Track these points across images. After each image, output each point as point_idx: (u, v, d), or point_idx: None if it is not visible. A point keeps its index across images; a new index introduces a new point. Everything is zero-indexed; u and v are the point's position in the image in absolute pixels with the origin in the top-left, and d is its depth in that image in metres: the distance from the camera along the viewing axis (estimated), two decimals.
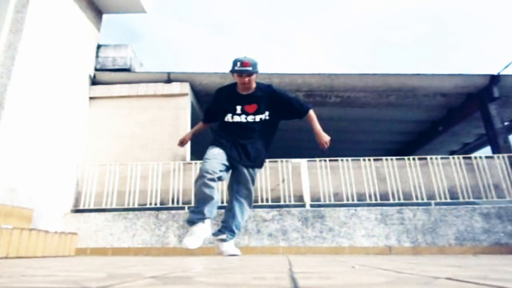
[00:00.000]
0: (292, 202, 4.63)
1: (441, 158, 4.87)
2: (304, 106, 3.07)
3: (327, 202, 4.61)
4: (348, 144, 9.47)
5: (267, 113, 2.97)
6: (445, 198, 4.52)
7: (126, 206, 4.69)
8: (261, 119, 2.95)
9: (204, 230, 2.80)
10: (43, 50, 4.47)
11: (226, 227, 3.01)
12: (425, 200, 4.52)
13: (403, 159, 4.89)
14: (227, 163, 2.89)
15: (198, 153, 7.28)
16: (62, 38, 4.92)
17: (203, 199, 2.76)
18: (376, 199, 4.61)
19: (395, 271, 1.04)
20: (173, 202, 4.73)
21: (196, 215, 2.79)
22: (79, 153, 5.24)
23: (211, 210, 2.80)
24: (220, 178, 2.82)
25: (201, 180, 2.75)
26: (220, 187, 2.96)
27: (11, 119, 3.87)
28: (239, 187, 3.00)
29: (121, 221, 4.43)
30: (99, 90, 5.68)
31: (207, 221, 2.83)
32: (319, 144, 2.99)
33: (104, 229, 4.41)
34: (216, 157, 2.84)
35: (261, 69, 3.04)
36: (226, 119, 2.99)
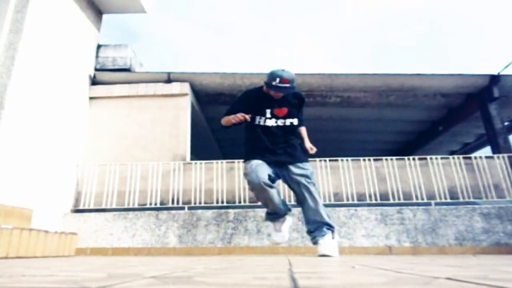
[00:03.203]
0: (292, 202, 4.63)
1: (441, 158, 4.87)
2: (303, 120, 3.06)
3: (327, 202, 4.61)
4: (348, 144, 9.48)
5: (296, 118, 2.87)
6: (445, 198, 4.52)
7: (126, 206, 4.69)
8: (291, 123, 2.84)
9: (287, 223, 2.92)
10: (43, 50, 4.47)
11: (315, 228, 2.82)
12: (425, 200, 4.52)
13: (403, 159, 4.89)
14: (271, 172, 2.74)
15: (198, 153, 7.30)
16: (62, 38, 4.92)
17: (268, 204, 2.77)
18: (376, 199, 4.61)
19: (395, 271, 1.04)
20: (173, 202, 4.73)
21: (272, 216, 2.89)
22: (79, 153, 5.24)
23: (280, 208, 2.81)
24: (273, 182, 2.71)
25: (256, 191, 2.68)
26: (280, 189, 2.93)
27: (11, 119, 3.87)
28: (300, 196, 2.84)
29: (121, 221, 4.43)
30: (99, 90, 5.68)
31: (286, 217, 2.91)
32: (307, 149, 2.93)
33: (104, 229, 4.41)
34: (258, 167, 2.69)
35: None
36: (256, 122, 2.84)
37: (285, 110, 2.85)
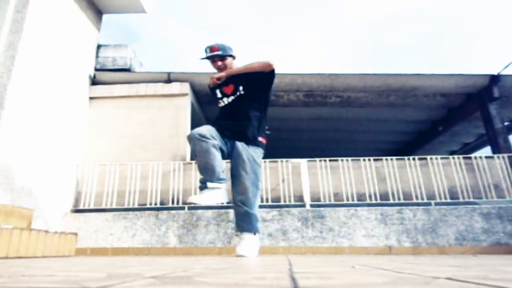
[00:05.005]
0: (292, 202, 4.63)
1: (441, 158, 4.87)
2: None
3: (327, 202, 4.61)
4: (348, 144, 9.48)
5: (241, 88, 2.81)
6: (445, 198, 4.52)
7: (126, 206, 4.69)
8: (237, 95, 2.82)
9: (214, 192, 2.58)
10: (43, 50, 4.47)
11: (235, 225, 2.82)
12: (425, 200, 4.52)
13: (403, 159, 4.89)
14: (220, 140, 2.68)
15: None
16: (62, 38, 4.92)
17: (203, 166, 2.58)
18: (376, 199, 4.61)
19: (395, 271, 1.04)
20: (173, 202, 4.73)
21: (202, 184, 2.63)
22: (79, 153, 5.24)
23: (212, 176, 2.56)
24: (215, 145, 2.58)
25: (194, 142, 2.56)
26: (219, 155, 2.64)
27: (11, 119, 3.87)
28: (237, 179, 2.77)
29: (121, 221, 4.43)
30: (99, 90, 5.68)
31: (219, 185, 2.60)
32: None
33: (104, 229, 4.41)
34: (207, 128, 2.67)
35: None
36: (218, 105, 2.98)
37: (231, 87, 2.88)
